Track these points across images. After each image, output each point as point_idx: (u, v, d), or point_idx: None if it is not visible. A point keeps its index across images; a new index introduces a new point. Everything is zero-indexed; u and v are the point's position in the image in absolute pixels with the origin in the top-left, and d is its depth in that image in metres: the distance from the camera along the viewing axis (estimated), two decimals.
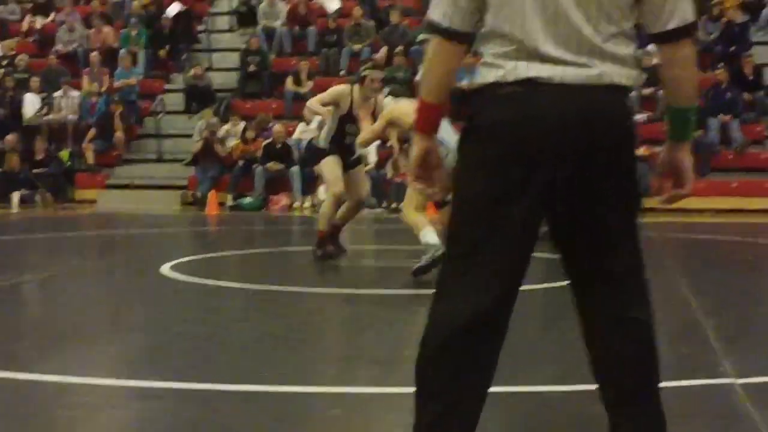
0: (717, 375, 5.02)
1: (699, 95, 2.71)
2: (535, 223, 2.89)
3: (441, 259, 3.06)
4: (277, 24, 23.22)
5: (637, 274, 2.97)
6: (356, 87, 9.93)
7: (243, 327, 6.50)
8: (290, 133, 19.73)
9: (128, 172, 20.79)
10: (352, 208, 10.12)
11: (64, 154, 20.83)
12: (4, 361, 5.36)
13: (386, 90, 11.02)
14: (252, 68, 21.96)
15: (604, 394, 3.03)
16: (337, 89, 10.14)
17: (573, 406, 4.49)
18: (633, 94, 3.02)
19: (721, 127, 18.94)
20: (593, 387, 3.05)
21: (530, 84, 2.80)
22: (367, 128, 9.46)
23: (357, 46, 21.94)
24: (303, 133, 19.84)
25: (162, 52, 23.17)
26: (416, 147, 2.99)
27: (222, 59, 23.59)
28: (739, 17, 21.01)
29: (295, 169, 18.89)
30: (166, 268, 9.21)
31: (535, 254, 2.92)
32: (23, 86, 22.09)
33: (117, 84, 22.01)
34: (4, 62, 23.29)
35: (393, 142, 9.62)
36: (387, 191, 18.13)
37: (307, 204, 18.79)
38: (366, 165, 10.80)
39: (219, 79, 22.66)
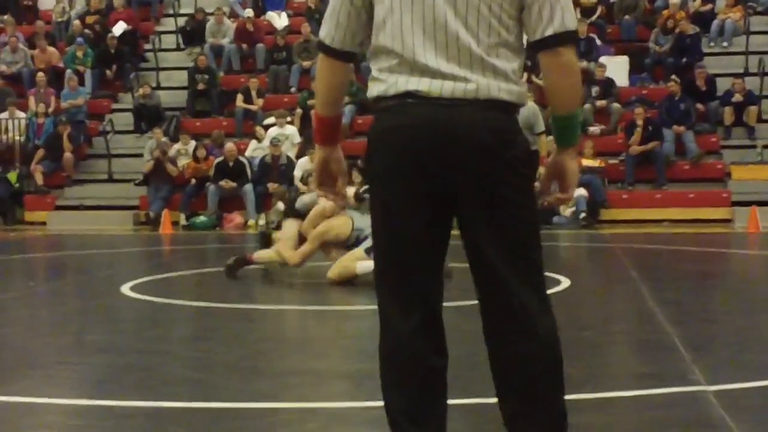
0: (689, 383, 5.06)
1: (580, 103, 2.78)
2: (434, 231, 3.00)
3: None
4: (225, 41, 23.15)
5: (516, 283, 2.99)
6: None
7: (210, 345, 6.45)
8: (242, 151, 19.64)
9: (78, 193, 20.56)
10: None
11: (12, 175, 20.58)
12: None
13: None
14: (201, 86, 21.85)
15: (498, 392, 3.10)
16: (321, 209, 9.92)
17: None
18: (523, 109, 3.08)
19: (675, 138, 19.14)
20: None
21: (408, 97, 2.90)
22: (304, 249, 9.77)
23: (306, 63, 21.91)
24: (255, 150, 19.81)
25: (109, 72, 23.00)
26: (316, 157, 3.18)
27: (170, 77, 23.45)
28: (690, 29, 21.27)
29: (249, 187, 18.80)
30: (126, 288, 9.13)
31: None
32: None
33: (64, 104, 21.80)
34: None
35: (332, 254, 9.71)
36: None
37: (261, 222, 18.70)
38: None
39: (167, 98, 22.51)
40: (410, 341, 3.00)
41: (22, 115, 21.57)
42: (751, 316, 7.76)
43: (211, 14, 23.81)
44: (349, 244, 9.53)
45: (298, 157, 19.03)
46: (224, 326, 7.31)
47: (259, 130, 20.05)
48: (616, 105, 19.58)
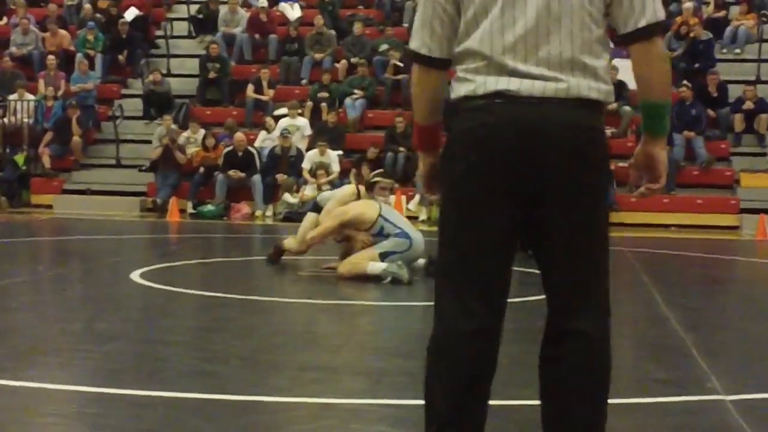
0: (707, 392, 5.05)
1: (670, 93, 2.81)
2: (511, 230, 2.98)
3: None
4: (238, 31, 23.11)
5: (588, 285, 3.01)
6: (362, 189, 10.06)
7: (224, 337, 6.41)
8: (251, 142, 19.62)
9: (85, 177, 20.53)
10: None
11: (20, 158, 20.54)
12: None
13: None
14: (212, 75, 21.80)
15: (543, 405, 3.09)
16: (346, 193, 10.15)
17: None
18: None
19: (685, 143, 19.11)
20: None
21: (497, 97, 2.89)
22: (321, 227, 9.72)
23: (318, 55, 21.90)
24: (264, 141, 19.78)
25: (120, 57, 22.95)
26: (422, 164, 3.20)
27: (180, 65, 23.40)
28: (704, 35, 21.22)
29: (257, 177, 18.77)
30: (136, 275, 9.11)
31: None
32: None
33: (74, 88, 21.76)
34: None
35: (358, 244, 9.57)
36: None
37: (269, 213, 18.69)
38: None
39: (177, 85, 22.45)
40: (470, 342, 2.97)
41: (31, 97, 21.51)
42: (764, 323, 7.77)
43: (224, 3, 23.76)
44: (374, 232, 9.43)
45: (308, 149, 19.03)
46: (237, 317, 7.28)
47: (269, 120, 20.01)
48: (626, 108, 19.53)
